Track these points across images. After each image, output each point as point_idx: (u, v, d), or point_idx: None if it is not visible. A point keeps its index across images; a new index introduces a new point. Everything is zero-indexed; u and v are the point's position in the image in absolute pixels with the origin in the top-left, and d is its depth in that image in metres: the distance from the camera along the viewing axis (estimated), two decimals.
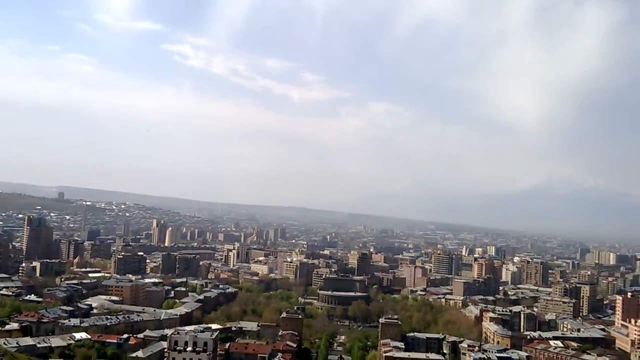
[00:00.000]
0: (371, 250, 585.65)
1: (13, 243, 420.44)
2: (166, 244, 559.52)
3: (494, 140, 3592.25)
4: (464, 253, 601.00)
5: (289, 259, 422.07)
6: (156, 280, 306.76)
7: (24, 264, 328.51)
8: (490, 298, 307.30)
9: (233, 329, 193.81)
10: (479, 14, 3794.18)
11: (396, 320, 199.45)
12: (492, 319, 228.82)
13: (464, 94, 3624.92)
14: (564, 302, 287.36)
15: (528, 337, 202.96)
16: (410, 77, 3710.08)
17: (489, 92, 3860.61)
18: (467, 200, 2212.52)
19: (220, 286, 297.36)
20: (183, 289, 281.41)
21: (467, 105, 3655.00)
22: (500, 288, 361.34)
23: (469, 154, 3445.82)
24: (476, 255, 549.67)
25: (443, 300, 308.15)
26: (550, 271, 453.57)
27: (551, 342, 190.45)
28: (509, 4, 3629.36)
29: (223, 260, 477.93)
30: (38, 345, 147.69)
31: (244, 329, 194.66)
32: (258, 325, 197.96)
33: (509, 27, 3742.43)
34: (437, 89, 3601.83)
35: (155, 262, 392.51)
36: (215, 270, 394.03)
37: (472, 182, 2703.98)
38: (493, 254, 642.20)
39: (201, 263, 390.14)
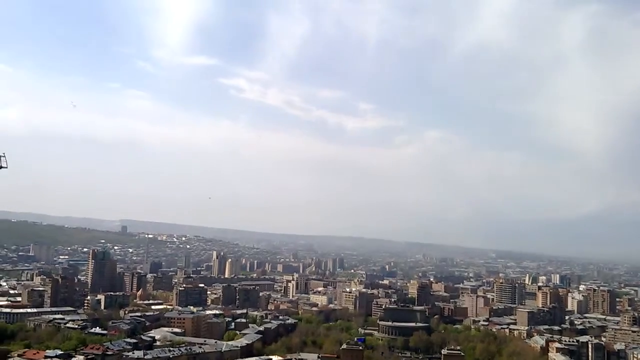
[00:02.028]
0: (431, 279, 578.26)
1: (78, 276, 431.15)
2: (226, 276, 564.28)
3: (554, 165, 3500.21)
4: (527, 282, 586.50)
5: (348, 289, 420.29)
6: (217, 311, 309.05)
7: (89, 297, 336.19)
8: (556, 328, 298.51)
9: None
10: (534, 37, 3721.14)
11: (459, 352, 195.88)
12: (558, 350, 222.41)
13: (521, 118, 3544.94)
14: (633, 332, 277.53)
15: None
16: (464, 103, 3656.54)
17: (546, 116, 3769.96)
18: (529, 226, 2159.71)
19: (280, 317, 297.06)
20: (243, 320, 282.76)
21: (524, 130, 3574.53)
22: (566, 317, 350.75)
23: (528, 180, 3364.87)
24: (540, 284, 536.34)
25: (507, 330, 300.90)
26: (617, 299, 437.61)
27: None
28: (564, 26, 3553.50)
29: (282, 291, 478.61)
30: None
31: None
32: (318, 357, 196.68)
33: (565, 49, 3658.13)
34: (492, 115, 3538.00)
35: (215, 293, 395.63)
36: (275, 302, 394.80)
37: (532, 208, 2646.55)
38: (557, 282, 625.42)
39: (261, 294, 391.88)
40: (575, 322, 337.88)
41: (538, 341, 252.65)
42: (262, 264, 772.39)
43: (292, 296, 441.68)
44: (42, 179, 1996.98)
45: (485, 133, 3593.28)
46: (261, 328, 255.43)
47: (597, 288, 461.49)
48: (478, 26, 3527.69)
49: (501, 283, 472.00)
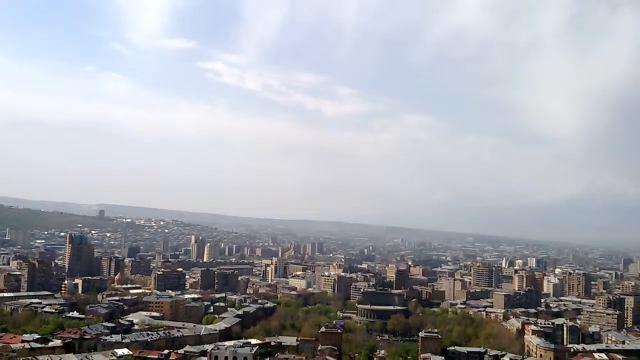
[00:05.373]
0: (409, 263, 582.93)
1: (55, 261, 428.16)
2: (205, 260, 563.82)
3: (531, 151, 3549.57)
4: (503, 265, 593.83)
5: (326, 273, 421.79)
6: (195, 295, 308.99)
7: (66, 281, 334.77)
8: (532, 310, 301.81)
9: (272, 343, 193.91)
10: (511, 24, 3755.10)
11: (436, 334, 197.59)
12: (534, 332, 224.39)
13: (499, 104, 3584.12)
14: (607, 314, 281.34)
15: (571, 350, 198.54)
16: (443, 88, 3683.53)
17: (524, 103, 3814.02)
18: (506, 211, 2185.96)
19: (259, 301, 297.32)
20: (222, 304, 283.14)
21: (502, 116, 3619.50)
22: (542, 300, 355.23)
23: (506, 165, 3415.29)
24: (516, 267, 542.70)
25: (483, 313, 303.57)
26: (592, 282, 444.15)
27: (595, 355, 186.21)
28: (541, 12, 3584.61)
29: (261, 275, 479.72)
30: None
31: (283, 343, 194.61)
32: (297, 340, 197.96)
33: (542, 36, 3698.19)
34: (471, 100, 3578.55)
35: (194, 277, 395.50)
36: (254, 285, 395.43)
37: (509, 193, 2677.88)
38: (534, 265, 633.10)
39: (239, 278, 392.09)
40: (551, 304, 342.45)
41: (514, 324, 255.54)
42: (241, 248, 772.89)
43: (271, 280, 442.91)
44: (19, 163, 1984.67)
45: (464, 118, 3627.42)
46: (240, 312, 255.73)
47: (572, 271, 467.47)
48: (455, 11, 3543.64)
49: (478, 267, 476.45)
